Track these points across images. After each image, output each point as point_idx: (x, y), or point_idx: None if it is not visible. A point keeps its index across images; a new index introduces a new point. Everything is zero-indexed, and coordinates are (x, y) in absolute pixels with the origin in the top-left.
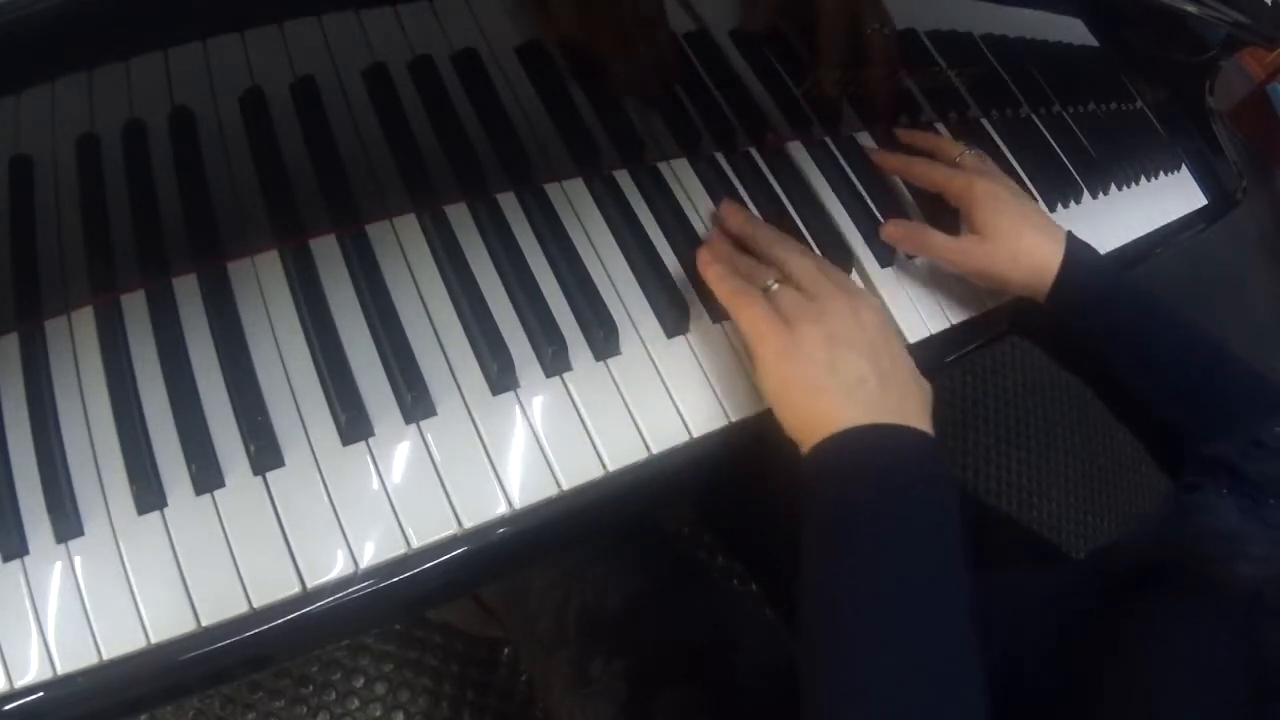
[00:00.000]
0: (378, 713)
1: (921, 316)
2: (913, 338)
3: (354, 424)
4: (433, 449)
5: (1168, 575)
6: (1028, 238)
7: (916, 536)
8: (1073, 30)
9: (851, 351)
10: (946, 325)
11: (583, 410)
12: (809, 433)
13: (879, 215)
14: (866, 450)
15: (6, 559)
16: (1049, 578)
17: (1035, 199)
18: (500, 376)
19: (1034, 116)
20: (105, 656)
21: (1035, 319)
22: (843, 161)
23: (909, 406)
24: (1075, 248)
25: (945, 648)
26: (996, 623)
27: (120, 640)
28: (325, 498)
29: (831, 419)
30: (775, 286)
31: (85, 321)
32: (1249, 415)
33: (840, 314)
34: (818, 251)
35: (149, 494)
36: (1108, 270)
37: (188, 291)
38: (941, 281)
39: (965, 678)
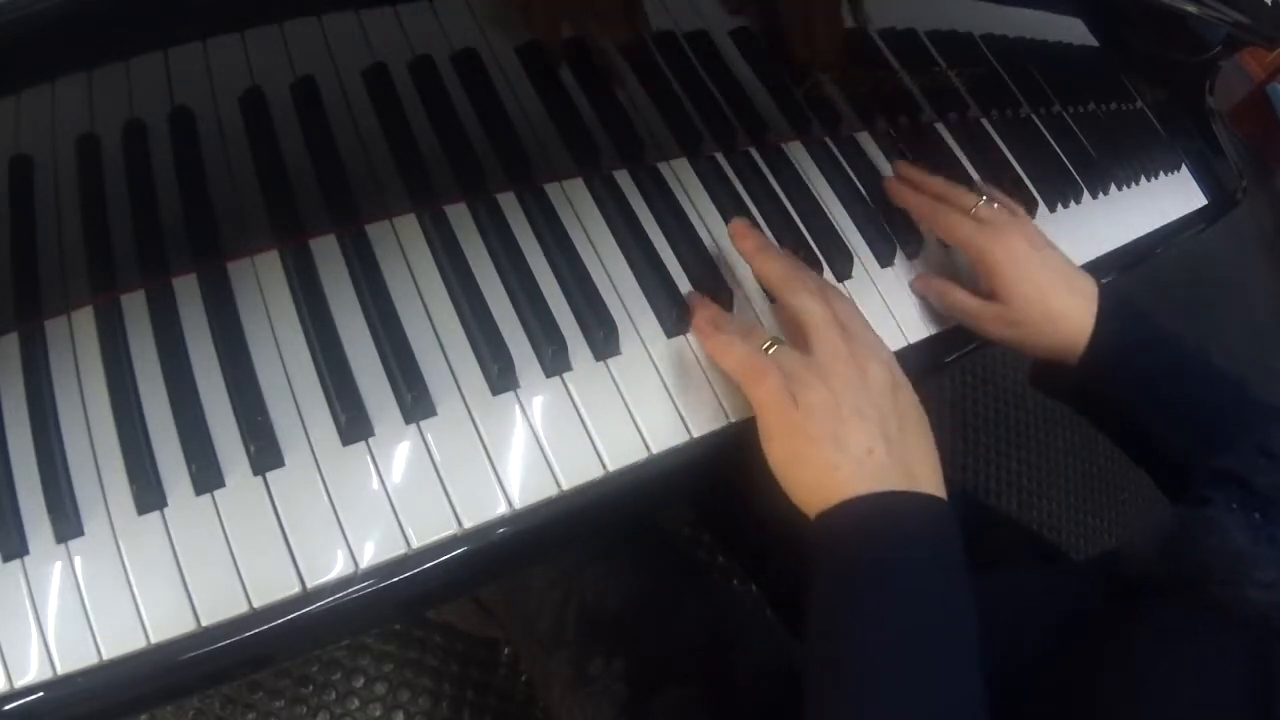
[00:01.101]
0: (378, 713)
1: (923, 317)
2: (914, 338)
3: (354, 424)
4: (433, 449)
5: (1175, 590)
6: (1056, 303)
7: (925, 604)
8: (1073, 30)
9: (859, 421)
10: (947, 326)
11: (583, 410)
12: (817, 503)
13: (879, 215)
14: (875, 519)
15: (6, 559)
16: (1051, 579)
17: (1037, 202)
18: (500, 376)
19: (1034, 116)
20: (105, 656)
21: (1059, 377)
22: (843, 161)
23: (918, 469)
24: (1108, 308)
25: (953, 710)
26: (996, 623)
27: (120, 640)
28: (325, 498)
29: (839, 491)
30: (773, 350)
31: (85, 321)
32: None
33: (846, 378)
34: (819, 251)
35: (149, 494)
36: (1142, 328)
37: (188, 291)
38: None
39: None
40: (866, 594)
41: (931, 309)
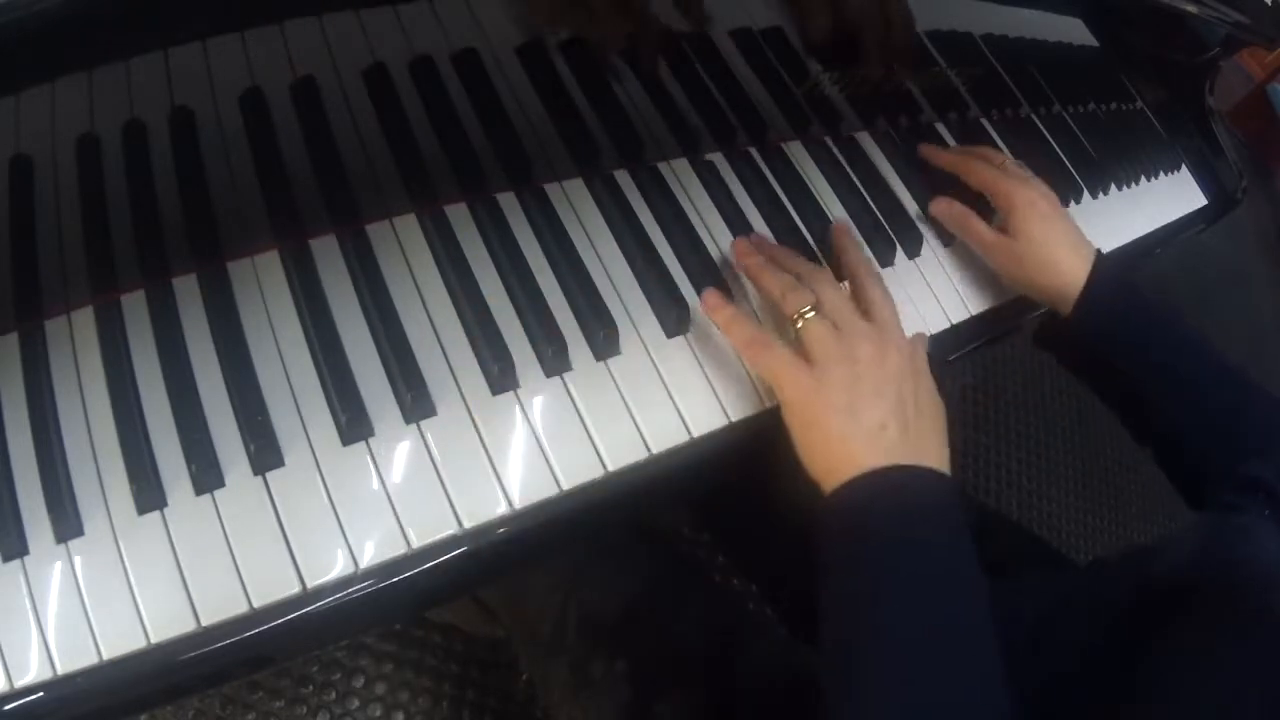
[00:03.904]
0: (378, 713)
1: (923, 316)
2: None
3: (354, 424)
4: (433, 449)
5: (1205, 597)
6: (1058, 251)
7: (935, 576)
8: (1073, 30)
9: (875, 397)
10: (947, 325)
11: (583, 410)
12: (829, 475)
13: (879, 215)
14: (883, 493)
15: (6, 559)
16: (1070, 587)
17: None
18: (500, 376)
19: (1034, 116)
20: (105, 656)
21: (1058, 331)
22: (843, 161)
23: (929, 452)
24: (1103, 268)
25: (970, 686)
26: (1015, 631)
27: (120, 640)
28: (325, 498)
29: (852, 463)
30: (811, 315)
31: (85, 321)
32: (1274, 446)
33: (866, 357)
34: (819, 251)
35: (149, 494)
36: (1134, 294)
37: (188, 291)
38: (944, 283)
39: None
40: (879, 569)
41: (934, 309)
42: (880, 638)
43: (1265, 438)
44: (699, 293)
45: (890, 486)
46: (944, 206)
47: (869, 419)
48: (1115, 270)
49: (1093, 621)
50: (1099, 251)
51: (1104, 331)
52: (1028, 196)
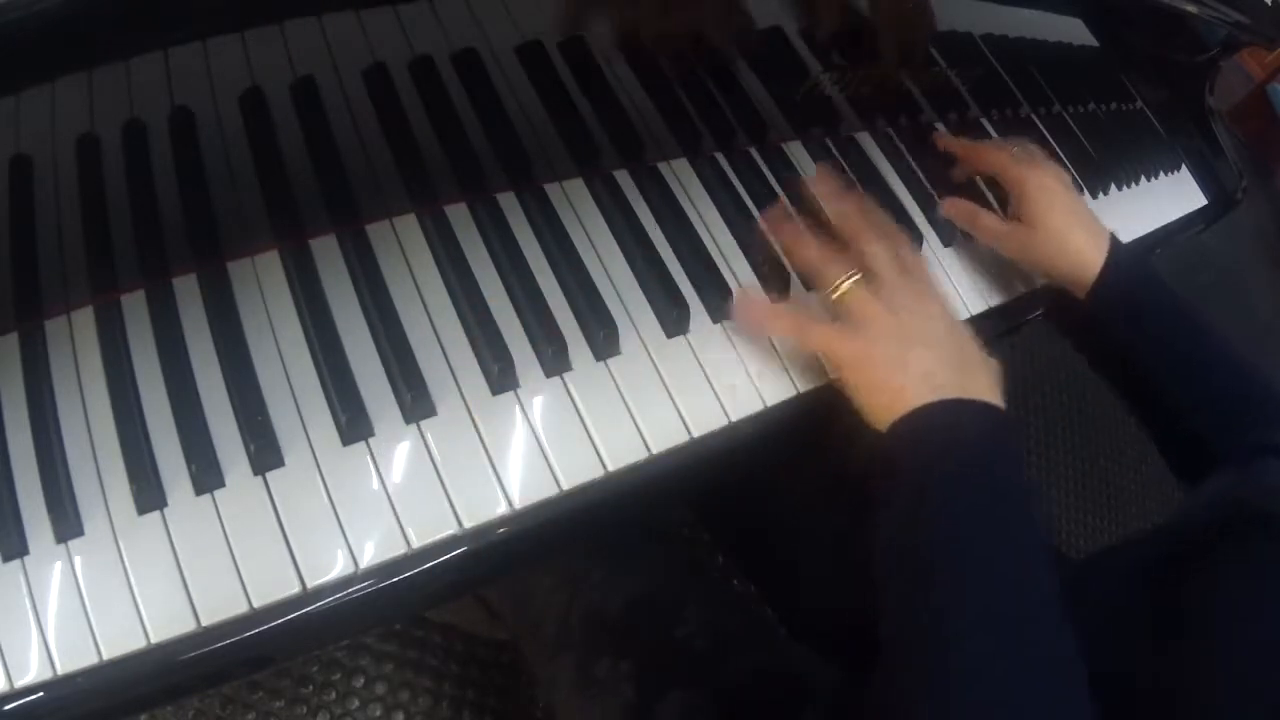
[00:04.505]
0: (378, 713)
1: None
2: None
3: (354, 424)
4: (433, 449)
5: (1238, 532)
6: (1073, 236)
7: (996, 498)
8: (1073, 30)
9: (921, 348)
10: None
11: (583, 410)
12: (888, 417)
13: None
14: (939, 419)
15: (6, 559)
16: (1101, 561)
17: None
18: (500, 376)
19: (1034, 116)
20: (105, 656)
21: (1072, 312)
22: (843, 162)
23: (978, 386)
24: (1118, 252)
25: (1040, 614)
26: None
27: (120, 640)
28: (325, 498)
29: (906, 404)
30: (850, 282)
31: (85, 321)
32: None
33: (909, 310)
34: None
35: (149, 494)
36: (1148, 278)
37: (188, 291)
38: (943, 283)
39: (1058, 638)
40: (937, 483)
41: None
42: (946, 563)
43: (1272, 421)
44: (699, 293)
45: (945, 414)
46: (953, 206)
47: (918, 367)
48: (1133, 253)
49: (1096, 611)
50: (1113, 235)
51: (1121, 314)
52: (1039, 180)
